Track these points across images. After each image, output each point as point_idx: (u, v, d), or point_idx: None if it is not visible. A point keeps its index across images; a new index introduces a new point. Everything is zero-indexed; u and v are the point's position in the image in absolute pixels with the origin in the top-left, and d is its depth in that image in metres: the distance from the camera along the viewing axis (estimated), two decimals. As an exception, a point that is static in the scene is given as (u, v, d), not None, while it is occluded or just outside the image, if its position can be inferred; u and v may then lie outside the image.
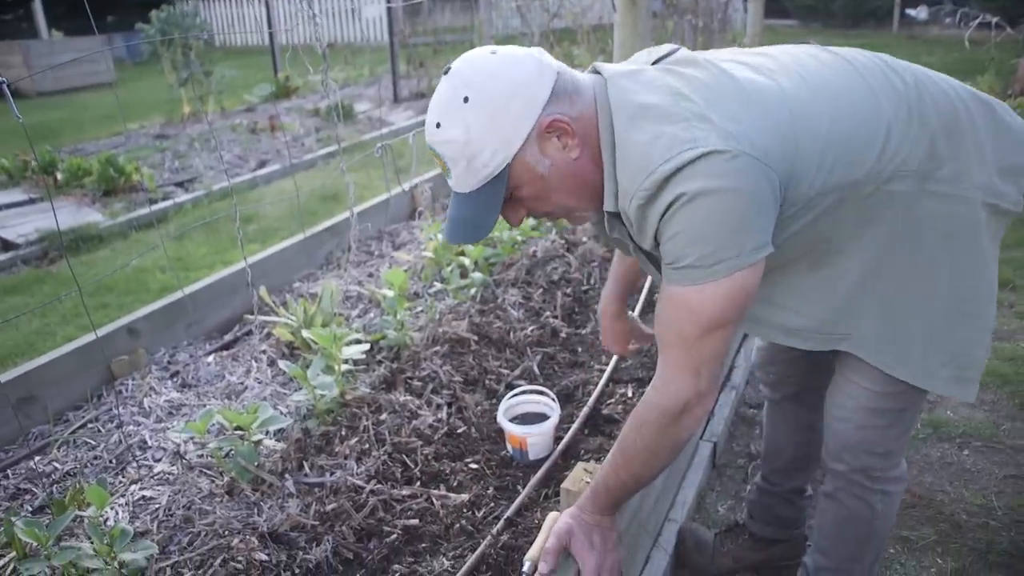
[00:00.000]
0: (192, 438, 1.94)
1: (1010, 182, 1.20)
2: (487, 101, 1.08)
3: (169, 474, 1.87)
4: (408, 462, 1.85)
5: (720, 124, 1.04)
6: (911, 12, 16.54)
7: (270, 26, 9.10)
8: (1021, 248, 3.67)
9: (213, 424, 1.96)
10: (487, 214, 1.12)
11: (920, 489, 2.06)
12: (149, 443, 2.02)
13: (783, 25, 15.94)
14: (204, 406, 2.17)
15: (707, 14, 5.70)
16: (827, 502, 1.48)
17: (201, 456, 1.92)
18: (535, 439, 1.86)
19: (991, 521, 1.94)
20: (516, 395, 1.99)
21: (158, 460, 1.95)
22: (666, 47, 1.23)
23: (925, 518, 1.96)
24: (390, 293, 2.37)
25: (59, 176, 5.04)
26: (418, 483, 1.80)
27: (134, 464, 1.94)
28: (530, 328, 2.43)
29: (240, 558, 1.53)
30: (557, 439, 1.92)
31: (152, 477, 1.87)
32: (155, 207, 4.62)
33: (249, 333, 2.64)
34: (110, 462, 1.97)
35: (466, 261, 2.69)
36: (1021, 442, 2.24)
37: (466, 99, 1.08)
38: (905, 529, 1.92)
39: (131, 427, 2.10)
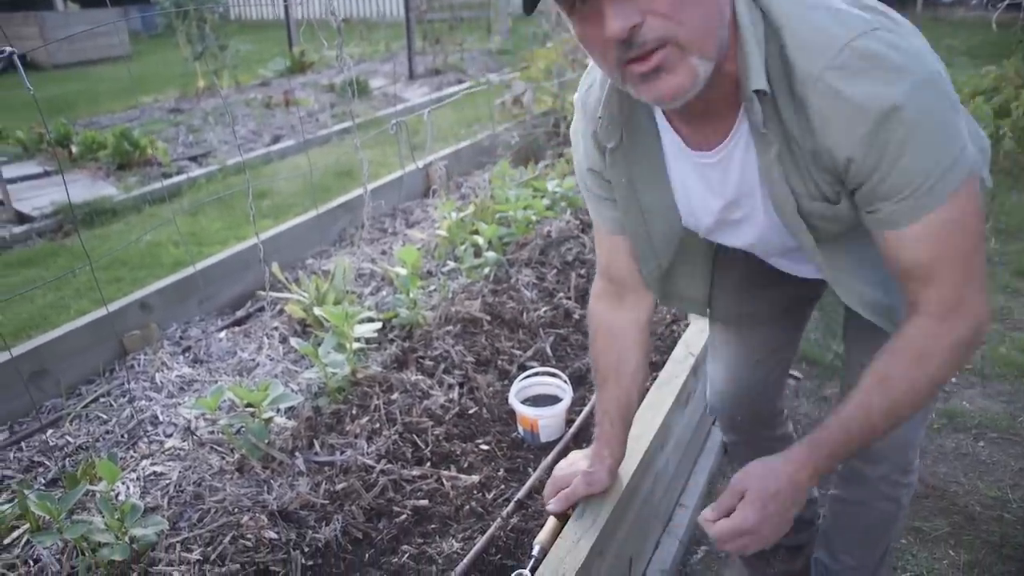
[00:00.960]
0: (203, 414, 1.94)
1: None
2: None
3: (180, 450, 1.87)
4: (419, 442, 1.84)
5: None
6: (936, -7, 16.25)
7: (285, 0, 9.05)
8: (1043, 236, 3.61)
9: (224, 400, 1.96)
10: None
11: (934, 480, 2.03)
12: (161, 418, 2.03)
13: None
14: (216, 382, 2.17)
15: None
16: (855, 509, 1.42)
17: (212, 432, 1.92)
18: (547, 421, 1.84)
19: (1005, 514, 1.91)
20: (528, 376, 1.97)
21: (169, 435, 1.95)
22: None
23: (938, 509, 1.94)
24: (403, 271, 2.36)
25: (74, 149, 5.04)
26: (428, 464, 1.79)
27: (145, 439, 1.95)
28: (543, 309, 2.41)
29: (250, 536, 1.53)
30: (569, 422, 1.91)
31: (163, 452, 1.87)
32: (169, 181, 4.62)
33: (261, 309, 2.64)
34: (122, 437, 1.97)
35: (480, 240, 2.67)
36: (1038, 434, 2.22)
37: None
38: (918, 520, 1.90)
39: (143, 402, 2.11)
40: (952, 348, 0.99)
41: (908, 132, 0.88)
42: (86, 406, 2.12)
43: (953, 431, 2.24)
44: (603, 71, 0.97)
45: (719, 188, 1.09)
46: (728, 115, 1.01)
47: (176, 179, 4.69)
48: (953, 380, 2.47)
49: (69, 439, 1.98)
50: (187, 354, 2.39)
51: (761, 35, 0.93)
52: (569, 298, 2.48)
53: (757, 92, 0.93)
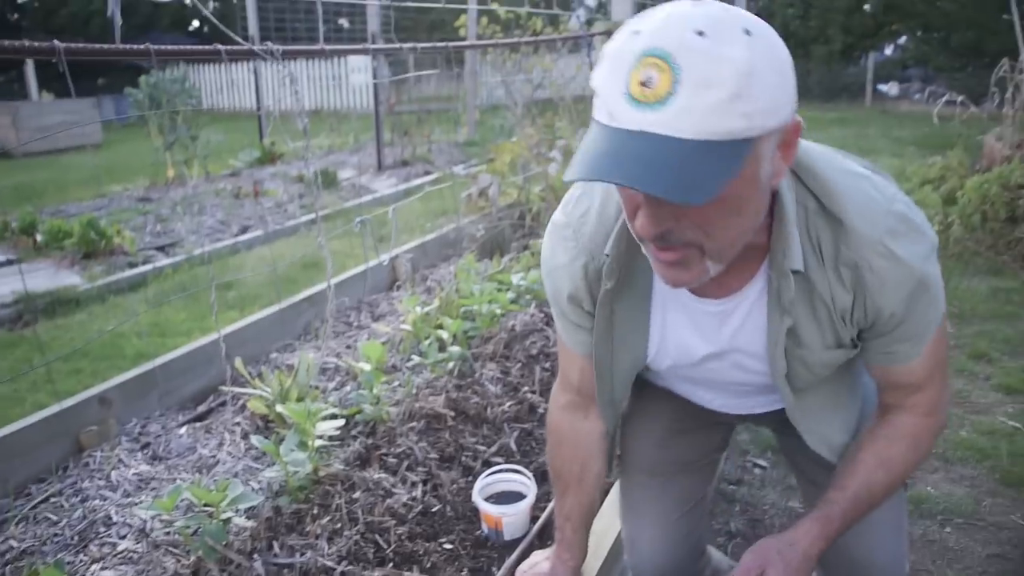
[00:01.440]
0: (159, 515, 1.89)
1: None
2: (771, 47, 0.83)
3: (133, 552, 1.82)
4: (381, 542, 1.81)
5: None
6: (882, 87, 17.09)
7: (257, 92, 9.24)
8: (995, 320, 3.72)
9: (182, 500, 1.91)
10: (711, 176, 0.79)
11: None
12: (114, 519, 1.97)
13: (761, 99, 16.35)
14: (174, 480, 2.13)
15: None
16: None
17: (168, 534, 1.87)
18: (510, 519, 1.83)
19: (975, 604, 1.92)
20: (492, 473, 1.97)
21: (123, 537, 1.90)
22: None
23: (909, 601, 1.94)
24: (367, 367, 2.36)
25: (39, 238, 5.03)
26: (391, 564, 1.75)
27: (97, 542, 1.89)
28: (508, 404, 2.41)
29: (203, 646, 1.48)
30: (533, 518, 1.89)
31: (115, 556, 1.82)
32: (134, 271, 4.60)
33: (223, 405, 2.61)
34: (72, 539, 1.91)
35: (444, 334, 2.69)
36: (1002, 519, 2.23)
37: (748, 31, 0.80)
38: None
39: (96, 501, 2.05)
40: (935, 435, 1.17)
41: (934, 288, 1.03)
42: (35, 507, 2.06)
43: (920, 517, 2.25)
44: (629, 226, 0.95)
45: (712, 336, 1.13)
46: (742, 273, 1.06)
47: (142, 269, 4.67)
48: (916, 467, 2.50)
49: (13, 543, 1.91)
50: (146, 451, 2.35)
51: (794, 211, 0.99)
52: (534, 392, 2.49)
53: (794, 272, 1.00)
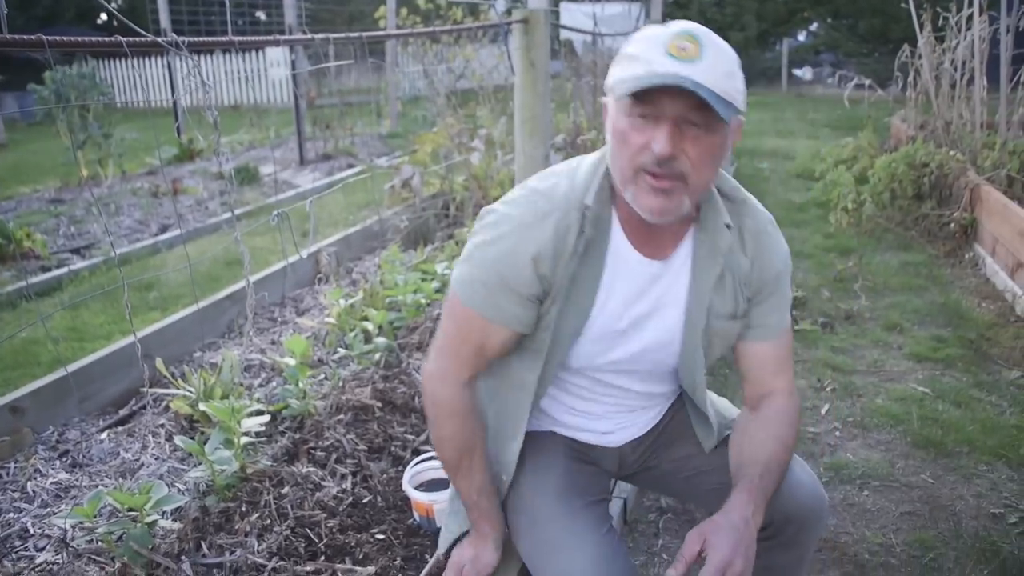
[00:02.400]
0: (80, 523, 1.84)
1: None
2: (736, 61, 1.16)
3: (54, 564, 1.77)
4: (312, 536, 1.80)
5: None
6: (798, 72, 17.61)
7: (172, 87, 8.97)
8: (905, 293, 3.90)
9: (104, 506, 1.87)
10: (725, 109, 1.10)
11: (826, 532, 2.12)
12: (31, 531, 1.91)
13: (681, 86, 16.67)
14: (96, 486, 2.07)
15: (605, 75, 5.92)
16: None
17: (90, 542, 1.82)
18: (441, 506, 1.84)
19: (891, 559, 2.02)
20: (421, 461, 1.97)
21: (41, 549, 1.84)
22: None
23: (831, 561, 2.02)
24: (291, 362, 2.34)
25: (-58, 244, 4.79)
26: (323, 557, 1.75)
27: (12, 556, 1.82)
28: (437, 392, 2.42)
29: (129, 651, 1.45)
30: (464, 505, 1.90)
31: (33, 569, 1.76)
32: (47, 275, 4.43)
33: (145, 407, 2.55)
34: (-14, 555, 1.84)
35: (369, 326, 2.68)
36: (914, 479, 2.35)
37: (719, 46, 1.14)
38: (813, 573, 1.97)
39: (10, 515, 1.98)
40: (798, 412, 1.41)
41: (788, 277, 1.38)
42: (-53, 523, 1.98)
43: (840, 483, 2.35)
44: (619, 161, 1.18)
45: (645, 293, 1.31)
46: (673, 241, 1.30)
47: (56, 272, 4.49)
48: (837, 434, 2.61)
49: (-77, 563, 1.84)
50: (64, 459, 2.27)
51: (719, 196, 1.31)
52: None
53: (728, 226, 1.28)
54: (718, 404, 1.54)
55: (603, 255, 1.27)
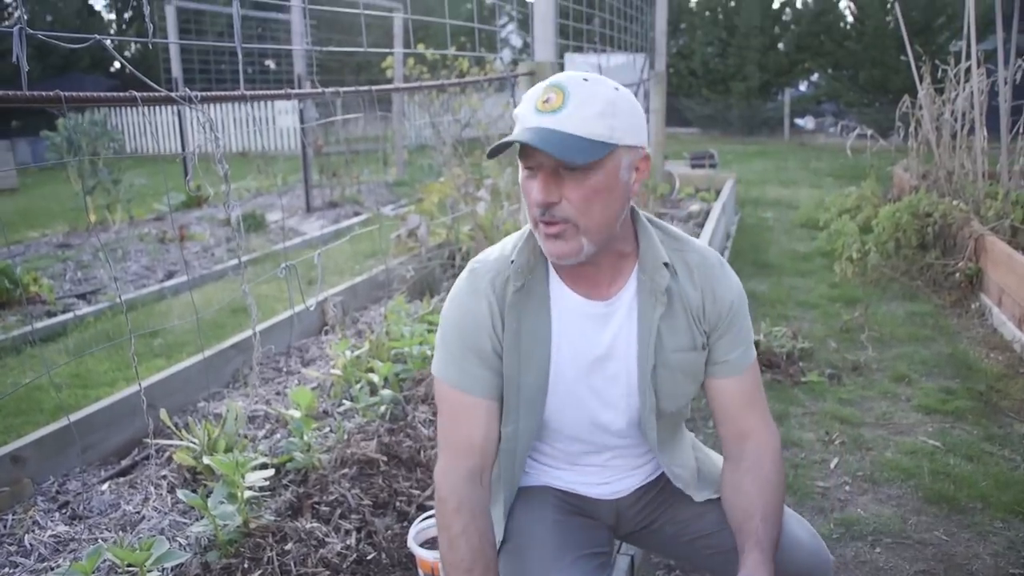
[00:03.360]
0: (78, 580, 1.81)
1: None
2: (632, 103, 1.23)
3: (51, 621, 1.74)
4: (314, 594, 1.77)
5: None
6: (800, 122, 17.80)
7: (182, 136, 9.09)
8: (913, 343, 3.87)
9: (103, 562, 1.84)
10: (582, 155, 1.16)
11: (837, 593, 2.08)
12: (29, 587, 1.88)
13: (685, 133, 16.87)
14: (96, 540, 2.04)
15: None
16: None
17: (88, 598, 1.79)
18: (447, 564, 1.81)
19: (904, 623, 1.97)
20: (427, 518, 1.94)
21: (39, 606, 1.81)
22: None
23: (842, 623, 1.98)
24: (297, 414, 2.32)
25: (-52, 289, 4.81)
26: (324, 617, 1.72)
27: (11, 612, 1.80)
28: (442, 444, 2.39)
29: None
30: (469, 562, 1.87)
31: (31, 626, 1.73)
32: (53, 320, 4.44)
33: (148, 458, 2.52)
34: (-17, 611, 1.81)
35: (375, 378, 2.67)
36: (927, 535, 2.31)
37: (617, 88, 1.22)
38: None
39: (6, 570, 1.95)
40: (780, 448, 1.40)
41: (746, 308, 1.40)
42: (-56, 579, 1.95)
43: (851, 539, 2.31)
44: (528, 213, 1.27)
45: (597, 337, 1.34)
46: (616, 281, 1.34)
47: (61, 318, 4.49)
48: (847, 488, 2.57)
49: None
50: (64, 510, 2.24)
51: (656, 238, 1.35)
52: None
53: (666, 265, 1.32)
54: (711, 456, 1.56)
55: (547, 303, 1.34)
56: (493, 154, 1.20)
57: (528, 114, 1.20)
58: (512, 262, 1.32)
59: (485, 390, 1.33)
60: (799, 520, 1.42)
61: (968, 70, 5.23)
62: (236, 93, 1.75)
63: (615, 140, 1.18)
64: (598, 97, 1.18)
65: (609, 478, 1.48)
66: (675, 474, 1.45)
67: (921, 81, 5.59)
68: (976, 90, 5.16)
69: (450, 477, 1.32)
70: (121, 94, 1.41)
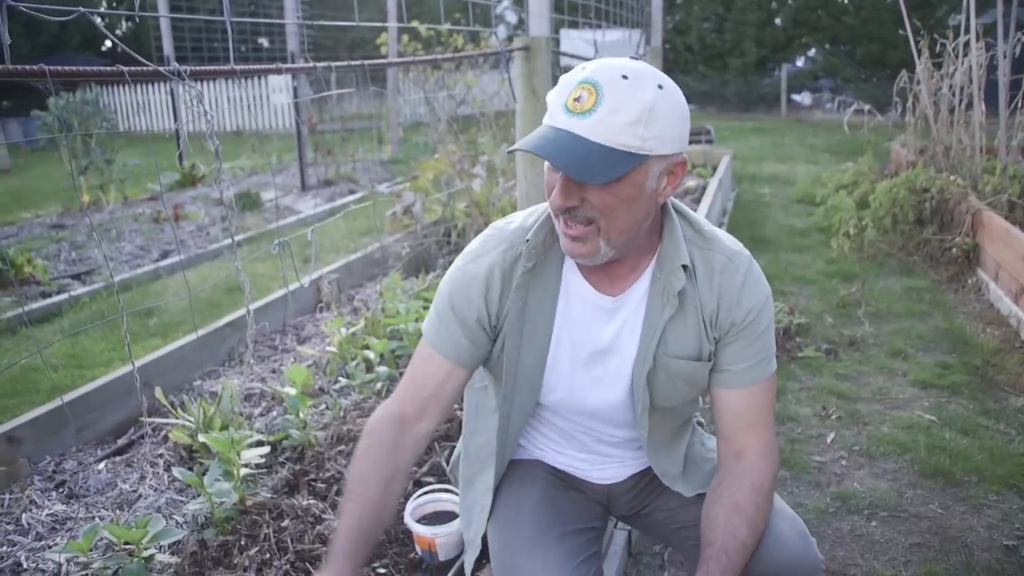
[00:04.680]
0: (74, 557, 1.81)
1: None
2: (674, 101, 1.13)
3: (48, 599, 1.74)
4: (312, 570, 1.77)
5: None
6: (796, 97, 17.72)
7: (175, 114, 9.02)
8: (909, 318, 3.88)
9: (100, 540, 1.84)
10: (604, 170, 1.08)
11: (834, 564, 2.09)
12: (25, 565, 1.87)
13: (681, 111, 16.75)
14: (93, 518, 2.04)
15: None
16: None
17: (85, 576, 1.79)
18: (443, 539, 1.81)
19: (899, 594, 1.98)
20: (424, 494, 1.94)
21: (36, 584, 1.81)
22: None
23: (838, 595, 1.99)
24: (292, 391, 2.31)
25: (-59, 271, 4.78)
26: (322, 593, 1.71)
27: (7, 591, 1.80)
28: (438, 421, 2.39)
29: None
30: (466, 538, 1.87)
31: (28, 604, 1.73)
32: (48, 301, 4.42)
33: (144, 437, 2.52)
34: (-22, 590, 1.81)
35: (371, 355, 2.66)
36: (923, 509, 2.32)
37: (660, 86, 1.11)
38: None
39: (3, 548, 1.95)
40: (774, 477, 1.30)
41: (768, 320, 1.30)
42: (-60, 557, 1.95)
43: (847, 513, 2.32)
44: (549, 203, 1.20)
45: (601, 329, 1.31)
46: (629, 278, 1.29)
47: (56, 298, 4.48)
48: (843, 463, 2.58)
49: (-84, 598, 1.81)
50: (61, 489, 2.24)
51: (682, 236, 1.27)
52: (462, 409, 2.47)
53: (684, 267, 1.25)
54: (713, 448, 1.48)
55: (555, 289, 1.30)
56: (514, 148, 1.15)
57: (557, 110, 1.12)
58: (527, 242, 1.28)
59: (456, 355, 1.31)
60: (791, 518, 1.33)
61: (967, 44, 5.19)
62: (226, 68, 1.73)
63: (645, 151, 1.10)
64: (634, 102, 1.08)
65: (603, 465, 1.48)
66: (663, 470, 1.42)
67: (919, 55, 5.55)
68: (975, 64, 5.13)
69: (379, 412, 1.35)
70: (108, 68, 1.39)
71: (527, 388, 1.35)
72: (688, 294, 1.27)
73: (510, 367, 1.33)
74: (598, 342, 1.31)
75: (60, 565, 1.83)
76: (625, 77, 1.09)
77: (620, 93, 1.08)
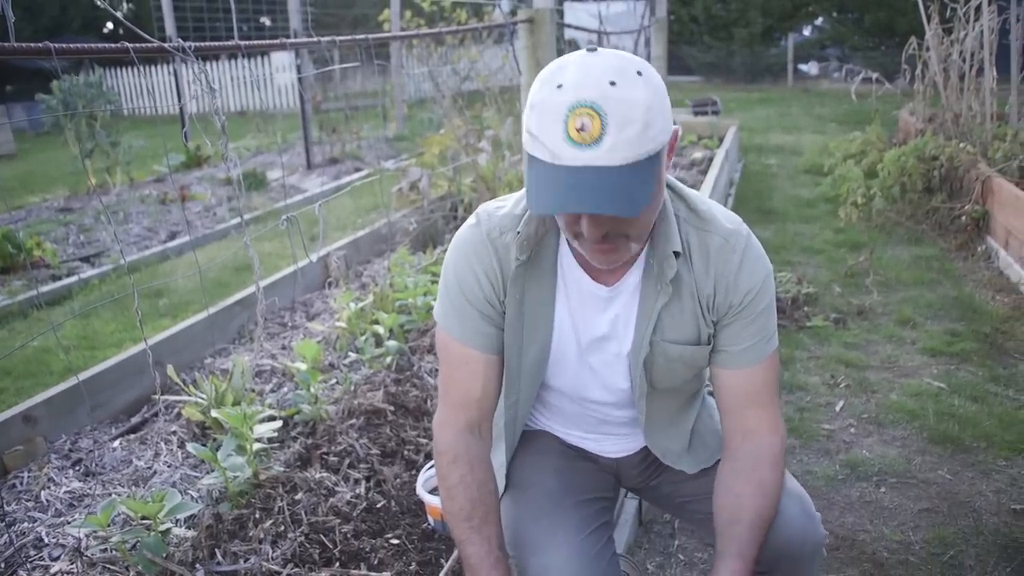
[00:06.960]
0: (94, 532, 1.83)
1: None
2: (656, 82, 1.06)
3: (68, 573, 1.76)
4: (326, 542, 1.79)
5: None
6: (803, 67, 17.53)
7: (179, 95, 9.00)
8: (918, 287, 3.87)
9: (117, 514, 1.87)
10: (641, 188, 1.02)
11: (843, 530, 2.10)
12: (46, 540, 1.91)
13: (687, 81, 16.64)
14: (109, 494, 2.07)
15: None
16: None
17: (104, 551, 1.82)
18: (456, 510, 1.83)
19: (910, 557, 1.99)
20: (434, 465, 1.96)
21: (56, 559, 1.84)
22: None
23: (849, 559, 2.00)
24: (303, 366, 2.33)
25: (-49, 255, 4.81)
26: (337, 564, 1.74)
27: (27, 566, 1.82)
28: (448, 395, 2.41)
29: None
30: (478, 508, 1.89)
31: (49, 578, 1.76)
32: (58, 283, 4.44)
33: (157, 414, 2.54)
34: (-1, 566, 1.84)
35: (380, 330, 2.67)
36: (931, 475, 2.33)
37: (639, 73, 1.04)
38: (831, 572, 1.95)
39: (25, 524, 1.98)
40: (783, 450, 1.30)
41: (773, 299, 1.28)
42: (-38, 534, 1.98)
43: (856, 480, 2.33)
44: (561, 228, 1.16)
45: (599, 317, 1.29)
46: (624, 266, 1.26)
47: (66, 281, 4.50)
48: (852, 430, 2.59)
49: (-62, 575, 1.84)
50: (77, 467, 2.27)
51: (674, 214, 1.23)
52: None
53: (677, 254, 1.21)
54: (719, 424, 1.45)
55: (552, 278, 1.28)
56: (541, 212, 1.05)
57: (559, 145, 1.01)
58: (518, 234, 1.24)
59: (486, 344, 1.30)
60: (797, 497, 1.33)
61: (978, 8, 5.12)
62: (231, 43, 1.72)
63: (659, 144, 1.04)
64: (636, 106, 1.01)
65: (612, 441, 1.48)
66: (664, 449, 1.42)
67: (929, 21, 5.49)
68: (987, 28, 5.06)
69: (447, 429, 1.32)
70: (113, 45, 1.39)
71: (531, 380, 1.35)
72: (683, 279, 1.24)
73: (513, 359, 1.32)
74: (596, 330, 1.30)
75: (80, 540, 1.86)
76: (613, 83, 1.01)
77: (619, 103, 1.00)
